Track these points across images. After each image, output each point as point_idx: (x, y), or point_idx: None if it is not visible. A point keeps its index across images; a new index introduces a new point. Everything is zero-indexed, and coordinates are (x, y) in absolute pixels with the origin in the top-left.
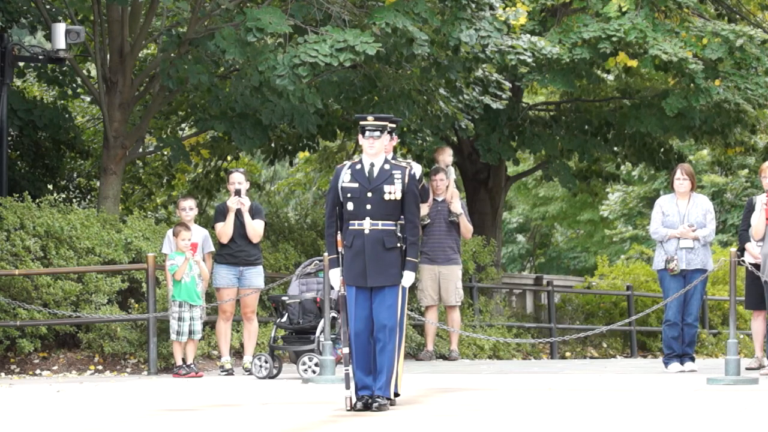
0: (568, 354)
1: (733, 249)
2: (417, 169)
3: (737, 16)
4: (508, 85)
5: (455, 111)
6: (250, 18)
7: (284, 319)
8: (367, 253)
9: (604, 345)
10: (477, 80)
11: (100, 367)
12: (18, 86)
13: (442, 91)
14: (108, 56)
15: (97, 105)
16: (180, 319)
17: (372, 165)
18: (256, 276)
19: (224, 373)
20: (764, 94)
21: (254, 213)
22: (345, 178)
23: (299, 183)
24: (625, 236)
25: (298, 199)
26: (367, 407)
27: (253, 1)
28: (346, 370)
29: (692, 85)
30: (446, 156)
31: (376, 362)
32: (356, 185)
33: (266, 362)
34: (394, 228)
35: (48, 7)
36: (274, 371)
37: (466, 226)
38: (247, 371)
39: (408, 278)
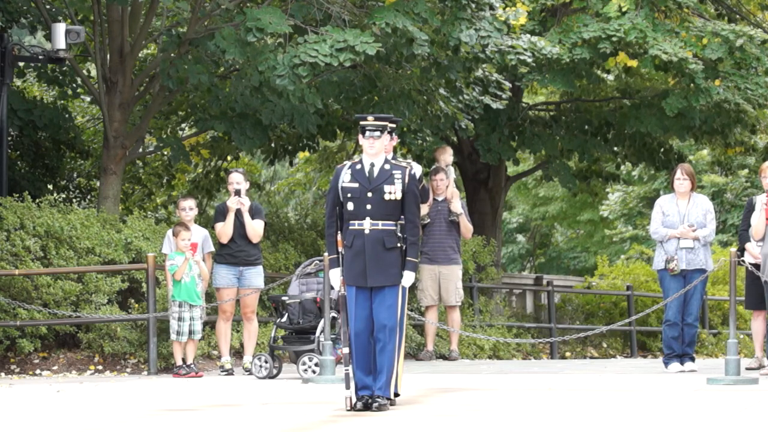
0: (568, 354)
1: (733, 249)
2: (417, 169)
3: (737, 16)
4: (508, 85)
5: (455, 111)
6: (250, 18)
7: (284, 319)
8: (368, 253)
9: (604, 345)
10: (477, 80)
11: (100, 367)
12: (18, 86)
13: (442, 91)
14: (108, 56)
15: (97, 105)
16: (180, 319)
17: (372, 165)
18: (256, 276)
19: (224, 373)
20: (764, 94)
21: (254, 213)
22: (345, 178)
23: (299, 183)
24: (625, 236)
25: (298, 199)
26: (367, 407)
27: (253, 1)
28: (346, 370)
29: (692, 85)
30: (446, 155)
31: (376, 362)
32: (356, 185)
33: (266, 362)
34: (394, 228)
35: (48, 7)
36: (274, 371)
37: (466, 226)
38: (247, 371)
39: (408, 278)
